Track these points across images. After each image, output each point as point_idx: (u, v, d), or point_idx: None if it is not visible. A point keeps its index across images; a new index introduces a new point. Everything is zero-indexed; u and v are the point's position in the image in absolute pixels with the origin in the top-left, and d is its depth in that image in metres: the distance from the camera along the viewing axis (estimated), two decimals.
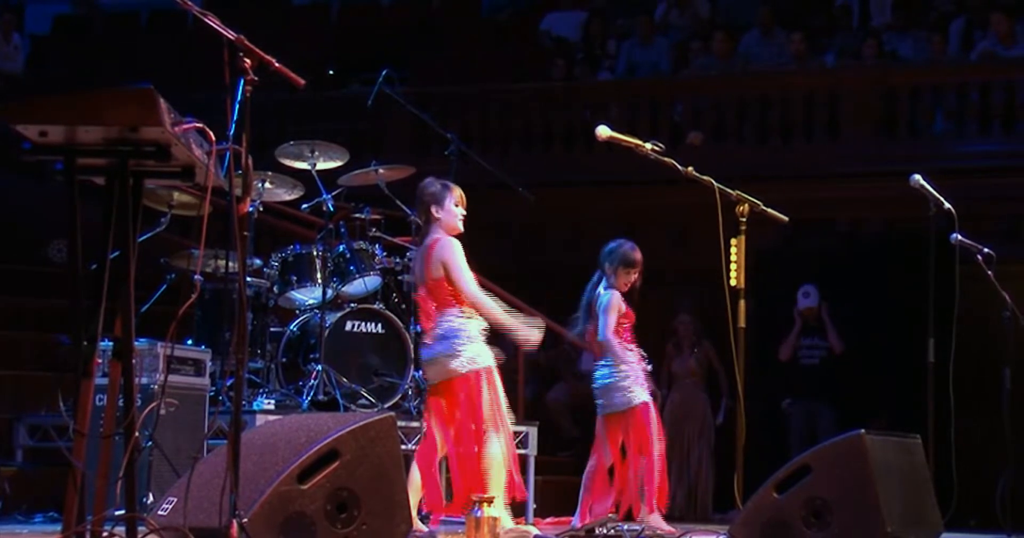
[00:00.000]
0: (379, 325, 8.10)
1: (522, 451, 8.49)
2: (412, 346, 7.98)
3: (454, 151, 9.10)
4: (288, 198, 8.50)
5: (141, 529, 4.32)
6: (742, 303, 6.34)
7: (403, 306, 8.40)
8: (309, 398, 7.76)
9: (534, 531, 6.67)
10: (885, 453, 6.11)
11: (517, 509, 8.21)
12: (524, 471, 8.48)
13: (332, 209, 8.30)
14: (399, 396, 8.04)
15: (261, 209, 8.30)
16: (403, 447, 6.80)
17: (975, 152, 11.57)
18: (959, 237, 7.38)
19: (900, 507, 6.02)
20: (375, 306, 8.19)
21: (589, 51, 13.83)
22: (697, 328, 11.08)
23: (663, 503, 7.25)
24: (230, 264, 7.37)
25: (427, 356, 6.29)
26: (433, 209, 6.26)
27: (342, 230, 8.42)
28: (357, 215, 8.52)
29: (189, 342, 7.71)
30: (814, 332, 10.60)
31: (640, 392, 7.25)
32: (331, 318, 7.96)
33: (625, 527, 6.89)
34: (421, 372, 6.21)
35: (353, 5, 15.46)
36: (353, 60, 13.96)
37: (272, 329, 8.21)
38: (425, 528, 6.31)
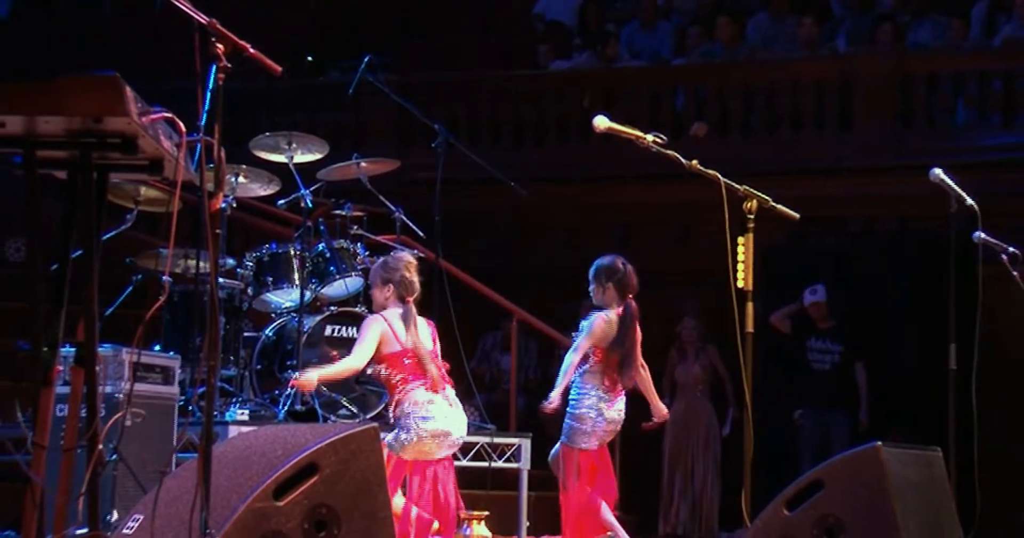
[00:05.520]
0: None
1: (515, 465, 8.50)
2: None
3: (441, 143, 9.09)
4: (263, 193, 8.50)
5: None
6: (750, 306, 6.32)
7: None
8: (286, 408, 7.75)
9: None
10: (903, 467, 6.11)
11: (509, 526, 8.23)
12: (517, 486, 8.50)
13: (311, 205, 8.29)
14: (382, 406, 8.03)
15: (234, 205, 8.30)
16: None
17: (998, 144, 11.58)
18: (982, 235, 7.37)
19: (919, 525, 6.02)
20: (357, 309, 8.18)
21: (586, 36, 13.81)
22: (702, 333, 11.08)
23: None
24: (201, 264, 7.38)
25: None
26: None
27: (321, 228, 8.41)
28: (337, 212, 8.52)
29: (157, 348, 7.71)
30: (825, 334, 10.59)
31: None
32: (309, 322, 7.95)
33: None
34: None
35: None
36: (333, 46, 13.97)
37: (246, 334, 8.21)
38: None
